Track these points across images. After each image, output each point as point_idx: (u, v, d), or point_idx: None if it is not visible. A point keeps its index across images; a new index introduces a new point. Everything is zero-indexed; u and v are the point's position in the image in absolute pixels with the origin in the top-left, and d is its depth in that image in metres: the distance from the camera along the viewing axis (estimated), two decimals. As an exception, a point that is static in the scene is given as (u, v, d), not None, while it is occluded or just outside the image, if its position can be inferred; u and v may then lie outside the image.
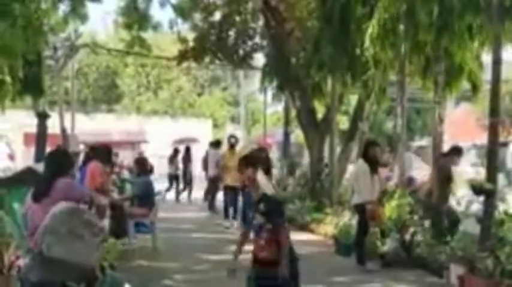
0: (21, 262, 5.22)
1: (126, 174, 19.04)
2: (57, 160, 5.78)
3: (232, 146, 17.12)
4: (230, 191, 16.15)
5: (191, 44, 21.34)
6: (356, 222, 11.42)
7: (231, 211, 16.34)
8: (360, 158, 11.70)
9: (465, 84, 14.42)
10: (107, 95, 55.08)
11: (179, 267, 11.07)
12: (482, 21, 11.52)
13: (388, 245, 11.18)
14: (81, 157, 16.08)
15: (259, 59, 22.97)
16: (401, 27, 12.82)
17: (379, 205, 11.20)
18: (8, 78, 11.74)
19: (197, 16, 21.98)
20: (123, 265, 9.78)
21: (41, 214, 5.30)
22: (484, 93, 13.88)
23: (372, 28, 12.77)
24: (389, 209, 12.26)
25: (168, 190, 22.80)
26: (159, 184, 20.15)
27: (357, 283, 9.81)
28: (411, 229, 11.50)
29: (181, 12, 21.37)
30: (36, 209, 5.43)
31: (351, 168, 17.12)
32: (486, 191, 9.96)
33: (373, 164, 11.00)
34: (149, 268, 10.90)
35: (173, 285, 9.63)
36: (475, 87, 14.03)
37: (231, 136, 17.81)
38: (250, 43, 21.47)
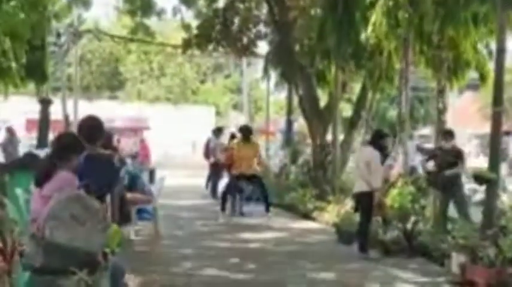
0: (24, 248, 5.22)
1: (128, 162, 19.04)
2: (58, 149, 5.73)
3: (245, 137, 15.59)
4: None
5: (195, 31, 21.31)
6: (361, 210, 11.28)
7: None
8: (367, 145, 11.52)
9: (469, 73, 14.40)
10: (109, 82, 55.04)
11: (181, 254, 11.10)
12: (487, 10, 11.51)
13: (389, 234, 11.20)
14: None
15: (262, 47, 22.96)
16: (406, 15, 12.82)
17: (384, 193, 11.26)
18: (14, 64, 11.77)
19: (201, 3, 21.95)
20: (125, 251, 9.81)
21: (39, 200, 5.32)
22: (489, 82, 13.87)
23: (376, 16, 12.76)
24: (391, 198, 12.28)
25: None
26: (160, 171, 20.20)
27: (358, 271, 9.84)
28: (413, 218, 11.49)
29: (185, -1, 21.35)
30: (36, 195, 5.45)
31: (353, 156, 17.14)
32: (488, 180, 9.96)
33: (381, 154, 11.08)
34: (151, 254, 10.93)
35: (173, 272, 9.67)
36: (482, 77, 14.00)
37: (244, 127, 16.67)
38: (254, 31, 21.44)
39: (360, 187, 11.00)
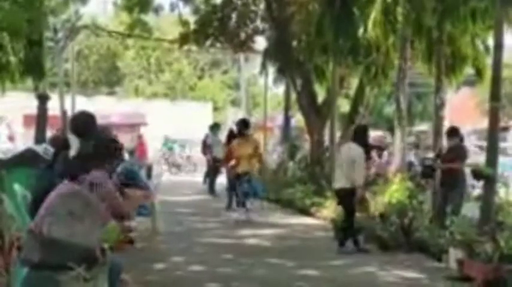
0: (22, 243, 5.22)
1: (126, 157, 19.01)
2: (95, 149, 5.56)
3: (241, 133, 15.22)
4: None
5: (192, 26, 21.28)
6: (344, 206, 11.14)
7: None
8: (350, 142, 11.41)
9: (467, 69, 14.43)
10: (107, 77, 54.96)
11: (178, 250, 11.10)
12: (487, 6, 11.53)
13: (387, 229, 11.21)
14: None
15: (260, 43, 22.94)
16: (404, 11, 12.84)
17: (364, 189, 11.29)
18: (13, 59, 11.77)
19: (199, -1, 21.94)
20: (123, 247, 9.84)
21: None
22: (485, 77, 13.89)
23: (374, 12, 12.76)
24: (388, 194, 12.29)
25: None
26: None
27: (354, 267, 9.83)
28: (410, 213, 11.50)
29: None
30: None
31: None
32: (486, 176, 9.98)
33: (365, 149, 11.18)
34: (148, 250, 10.93)
35: (169, 268, 9.68)
36: (479, 72, 14.03)
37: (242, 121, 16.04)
38: (251, 26, 21.42)
39: (342, 183, 10.96)
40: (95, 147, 5.58)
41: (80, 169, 5.27)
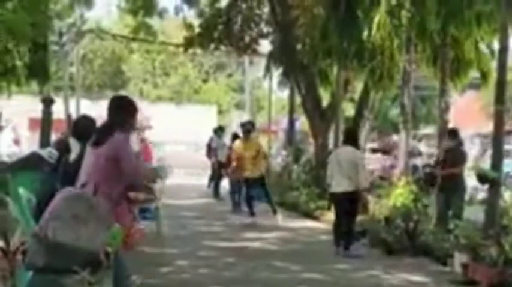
0: (27, 247, 5.22)
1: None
2: (114, 112, 5.85)
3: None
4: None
5: (197, 30, 21.31)
6: (346, 210, 10.97)
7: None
8: (346, 145, 11.24)
9: (471, 72, 14.43)
10: (112, 81, 55.02)
11: (182, 253, 11.09)
12: (492, 10, 11.53)
13: (392, 233, 11.18)
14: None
15: (265, 46, 22.98)
16: (409, 15, 12.86)
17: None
18: (19, 63, 11.80)
19: (203, 2, 21.97)
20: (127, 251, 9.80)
21: (92, 158, 5.56)
22: (490, 81, 13.89)
23: (379, 16, 12.77)
24: (393, 197, 12.27)
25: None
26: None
27: (358, 271, 9.81)
28: (415, 217, 11.47)
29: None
30: (91, 153, 5.55)
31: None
32: (491, 179, 9.96)
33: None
34: (152, 254, 10.92)
35: (173, 271, 9.67)
36: (484, 76, 14.03)
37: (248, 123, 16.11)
38: (255, 29, 21.45)
39: (344, 186, 10.84)
40: (117, 107, 5.80)
41: (104, 133, 5.50)
